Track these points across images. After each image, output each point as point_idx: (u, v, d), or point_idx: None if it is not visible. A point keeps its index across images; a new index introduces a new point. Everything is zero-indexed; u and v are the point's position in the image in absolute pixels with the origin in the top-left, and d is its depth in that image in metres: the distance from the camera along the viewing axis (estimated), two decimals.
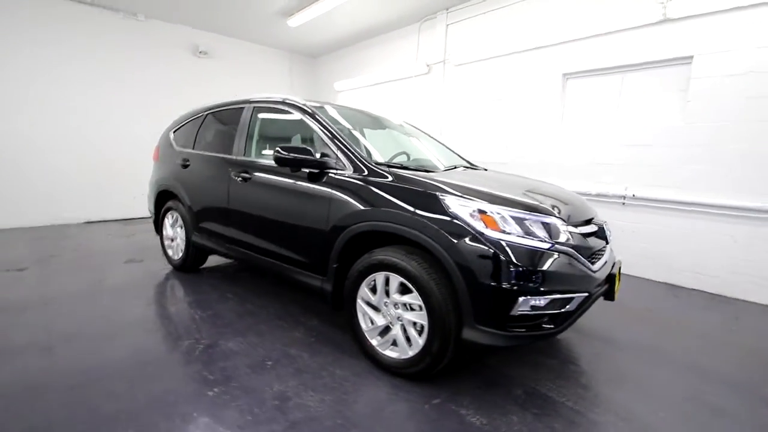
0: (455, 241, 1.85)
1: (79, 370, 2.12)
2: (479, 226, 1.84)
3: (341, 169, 2.39)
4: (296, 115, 2.79)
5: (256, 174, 2.87)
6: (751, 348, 2.71)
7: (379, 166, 2.31)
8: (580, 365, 2.39)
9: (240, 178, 2.98)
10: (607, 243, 2.36)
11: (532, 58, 4.98)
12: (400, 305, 2.10)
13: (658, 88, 4.04)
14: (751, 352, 2.65)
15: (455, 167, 2.89)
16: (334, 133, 2.52)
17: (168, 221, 3.92)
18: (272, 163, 2.80)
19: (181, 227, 3.73)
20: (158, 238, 4.17)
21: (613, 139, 4.34)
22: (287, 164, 2.48)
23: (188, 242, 3.63)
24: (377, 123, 3.31)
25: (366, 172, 2.31)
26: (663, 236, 4.02)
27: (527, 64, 5.04)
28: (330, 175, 2.41)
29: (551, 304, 1.82)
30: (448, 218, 1.89)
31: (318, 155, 2.42)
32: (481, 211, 1.88)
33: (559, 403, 1.99)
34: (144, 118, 6.60)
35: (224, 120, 3.54)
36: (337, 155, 2.43)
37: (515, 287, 1.75)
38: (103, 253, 4.50)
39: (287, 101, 2.88)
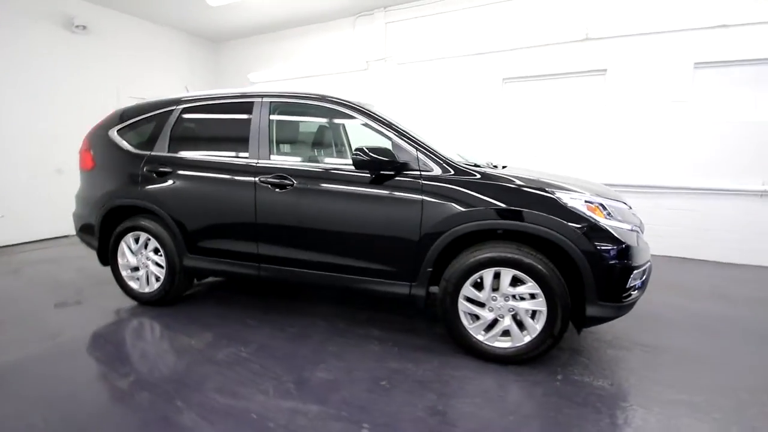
0: (578, 231, 2.06)
1: None
2: (592, 215, 2.09)
3: (426, 170, 2.33)
4: (349, 115, 2.58)
5: (302, 181, 2.52)
6: (709, 291, 3.70)
7: (462, 164, 2.34)
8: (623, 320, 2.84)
9: (272, 186, 2.57)
10: None
11: (474, 63, 5.51)
12: (510, 297, 2.21)
13: (581, 93, 5.00)
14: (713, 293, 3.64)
15: (496, 165, 3.03)
16: (409, 133, 2.43)
17: (127, 246, 3.06)
18: (327, 167, 2.59)
19: (157, 251, 2.97)
20: (97, 267, 3.23)
21: (548, 135, 5.18)
22: (368, 167, 2.31)
23: (173, 268, 2.92)
24: None
25: (452, 172, 2.31)
26: None
27: (469, 68, 5.55)
28: (405, 178, 2.33)
29: (641, 273, 2.21)
30: (567, 211, 2.08)
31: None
32: (588, 202, 2.13)
33: (643, 356, 2.42)
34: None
35: (218, 117, 2.95)
36: (417, 156, 2.36)
37: (630, 264, 2.07)
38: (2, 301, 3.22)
39: (339, 100, 2.61)
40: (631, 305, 2.21)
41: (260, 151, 2.67)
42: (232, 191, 2.69)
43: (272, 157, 2.66)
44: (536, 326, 2.18)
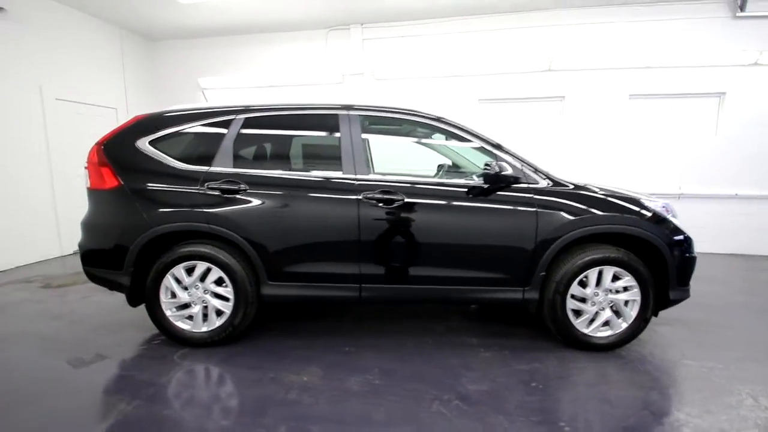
0: (665, 229, 2.51)
1: None
2: (668, 216, 2.58)
3: (533, 183, 2.56)
4: (461, 137, 2.72)
5: (412, 196, 2.50)
6: None
7: (557, 177, 2.64)
8: None
9: (377, 202, 2.49)
10: None
11: (452, 83, 5.96)
12: (609, 291, 2.55)
13: (544, 115, 5.84)
14: None
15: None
16: (513, 151, 2.63)
17: (175, 279, 2.55)
18: (437, 180, 2.64)
19: (221, 282, 2.56)
20: (71, 312, 2.63)
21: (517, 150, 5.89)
22: (490, 181, 2.45)
23: (245, 298, 2.55)
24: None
25: (552, 183, 2.59)
26: None
27: (448, 88, 5.99)
28: (516, 192, 2.53)
29: None
30: (656, 215, 2.52)
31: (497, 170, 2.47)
32: (664, 206, 2.62)
33: (685, 330, 2.99)
34: None
35: (293, 131, 2.72)
36: (523, 171, 2.57)
37: (694, 254, 2.60)
38: None
39: (453, 123, 2.80)
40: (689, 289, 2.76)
41: (357, 167, 2.56)
42: (329, 209, 2.51)
43: (372, 173, 2.58)
44: (631, 313, 2.56)
